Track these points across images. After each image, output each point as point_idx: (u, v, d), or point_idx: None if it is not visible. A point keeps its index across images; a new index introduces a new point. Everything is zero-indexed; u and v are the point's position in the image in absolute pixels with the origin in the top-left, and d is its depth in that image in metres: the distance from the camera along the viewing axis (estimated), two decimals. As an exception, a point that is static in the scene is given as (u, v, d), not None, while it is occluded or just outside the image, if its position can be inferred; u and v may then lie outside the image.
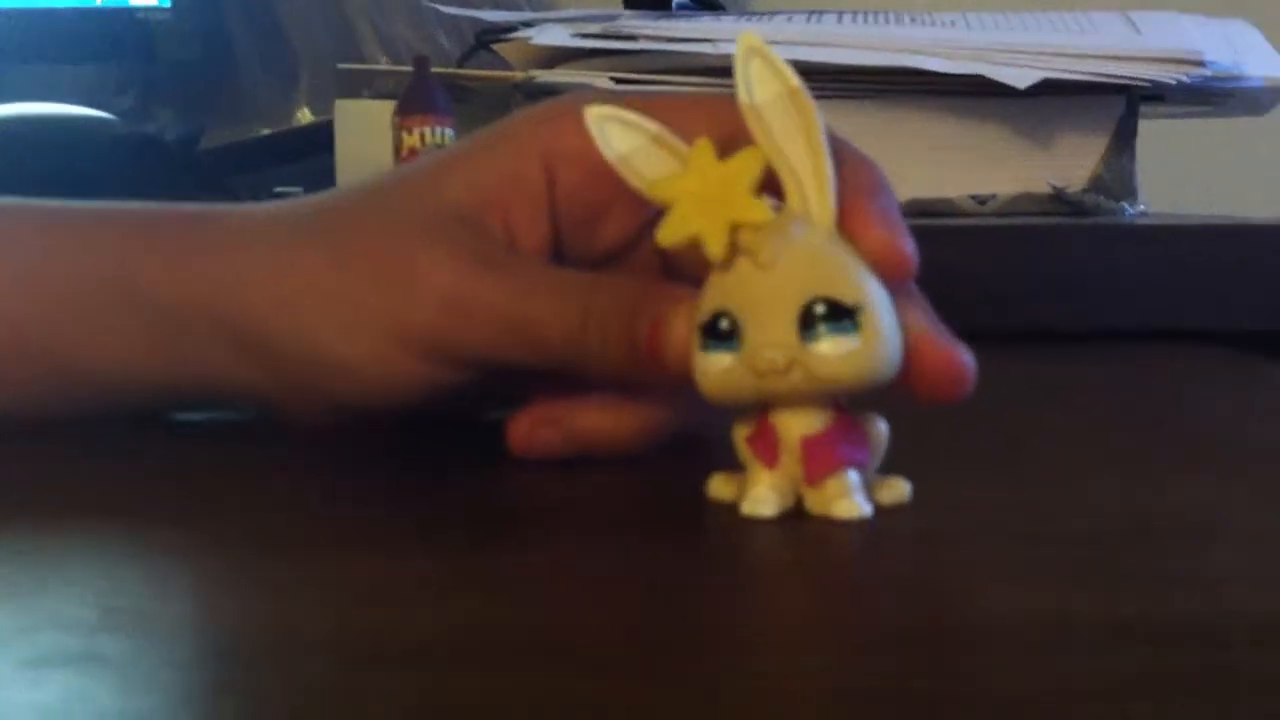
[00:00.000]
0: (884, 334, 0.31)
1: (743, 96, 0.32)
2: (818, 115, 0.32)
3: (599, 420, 0.36)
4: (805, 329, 0.30)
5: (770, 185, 0.32)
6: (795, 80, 0.32)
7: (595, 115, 0.33)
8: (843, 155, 0.33)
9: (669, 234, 0.32)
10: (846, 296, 0.31)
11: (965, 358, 0.32)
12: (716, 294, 0.31)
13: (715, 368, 0.31)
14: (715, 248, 0.31)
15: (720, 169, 0.31)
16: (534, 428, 0.37)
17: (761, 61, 0.32)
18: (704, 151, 0.32)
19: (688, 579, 0.28)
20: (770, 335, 0.30)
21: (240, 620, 0.26)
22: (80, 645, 0.23)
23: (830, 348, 0.30)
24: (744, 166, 0.31)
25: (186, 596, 0.27)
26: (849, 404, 0.32)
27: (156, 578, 0.28)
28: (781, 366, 0.30)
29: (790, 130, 0.32)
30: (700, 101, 0.36)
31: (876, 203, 0.32)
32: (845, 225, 0.32)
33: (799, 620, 0.26)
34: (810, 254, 0.31)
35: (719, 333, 0.31)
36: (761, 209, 0.31)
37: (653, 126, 0.33)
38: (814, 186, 0.32)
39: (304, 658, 0.23)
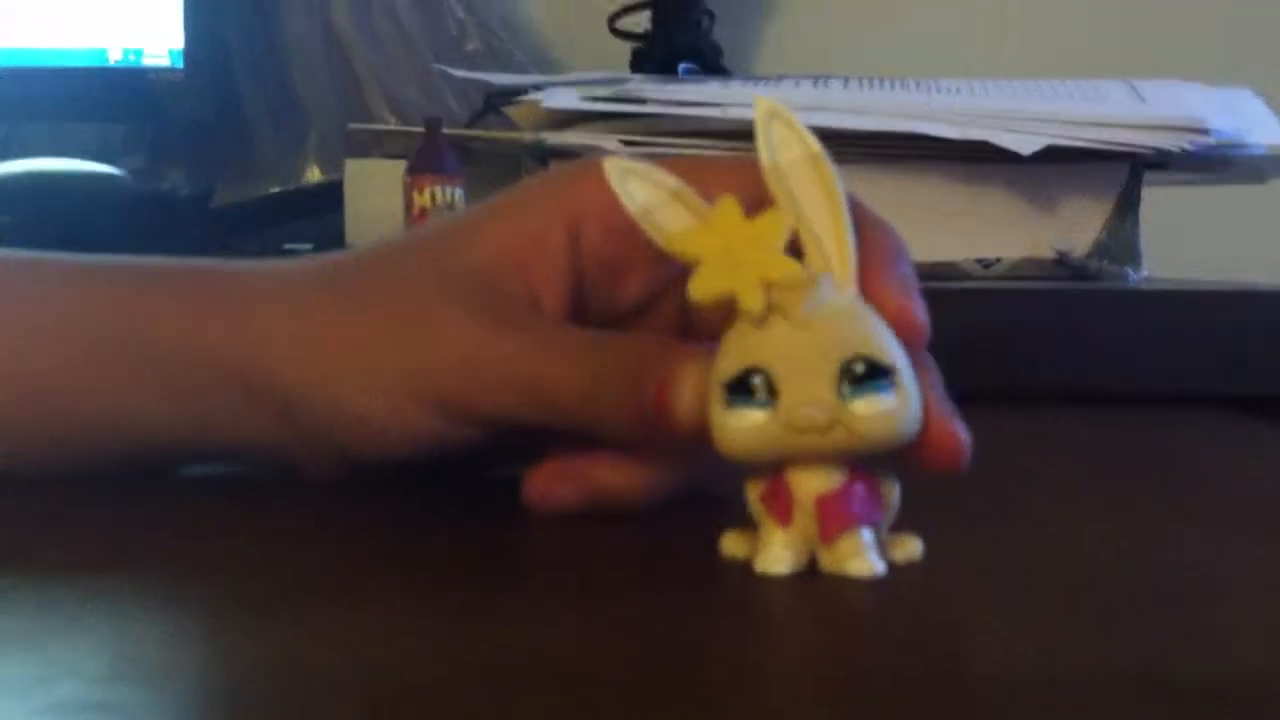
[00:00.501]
0: (913, 393, 0.31)
1: (765, 159, 0.33)
2: (838, 180, 0.33)
3: (614, 476, 0.37)
4: (844, 388, 0.31)
5: (789, 248, 0.32)
6: (817, 145, 0.33)
7: (615, 168, 0.34)
8: (863, 219, 0.33)
9: (701, 289, 0.31)
10: (883, 356, 0.31)
11: (965, 434, 0.32)
12: (743, 351, 0.31)
13: (743, 425, 0.31)
14: (753, 303, 0.31)
15: (747, 227, 0.32)
16: (550, 483, 0.37)
17: (783, 125, 0.33)
18: (730, 209, 0.32)
19: (700, 633, 0.28)
20: (810, 393, 0.31)
21: (253, 669, 0.26)
22: (96, 694, 0.24)
23: (869, 406, 0.31)
24: (771, 225, 0.32)
25: (200, 646, 0.28)
26: (864, 463, 0.32)
27: (171, 629, 0.29)
28: (823, 424, 0.31)
29: (812, 193, 0.32)
30: (719, 162, 0.36)
31: (894, 269, 0.33)
32: (863, 290, 0.32)
33: (809, 671, 0.26)
34: (844, 313, 0.32)
35: (749, 390, 0.31)
36: (793, 266, 0.31)
37: (673, 181, 0.33)
38: (835, 249, 0.32)
39: (317, 705, 0.23)
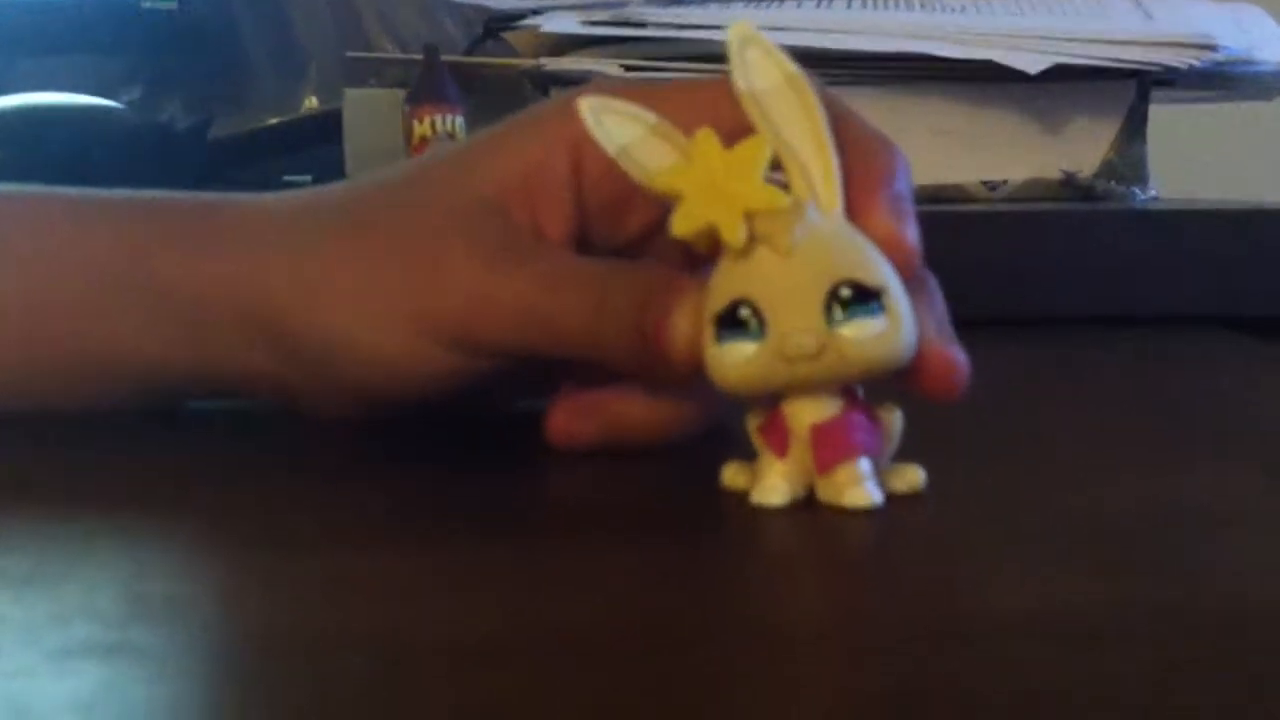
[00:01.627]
0: (906, 315, 0.31)
1: (740, 85, 0.32)
2: (818, 101, 0.32)
3: (636, 411, 0.36)
4: (834, 313, 0.30)
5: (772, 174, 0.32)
6: (793, 67, 0.32)
7: (590, 107, 0.33)
8: (856, 138, 0.33)
9: (682, 225, 0.31)
10: (871, 279, 0.31)
11: (962, 359, 0.32)
12: (730, 284, 0.31)
13: (735, 358, 0.31)
14: (733, 236, 0.31)
15: (726, 157, 0.31)
16: (571, 419, 0.37)
17: (757, 49, 0.32)
18: (708, 140, 0.31)
19: (703, 574, 0.28)
20: (798, 321, 0.30)
21: (270, 612, 0.26)
22: (110, 635, 0.24)
23: (859, 330, 0.30)
24: (751, 154, 0.31)
25: (216, 588, 0.28)
26: (864, 394, 0.32)
27: (185, 569, 0.29)
28: (813, 351, 0.30)
29: (791, 117, 0.32)
30: (697, 90, 0.36)
31: (885, 190, 0.32)
32: (851, 213, 0.32)
33: (813, 616, 0.26)
34: (828, 239, 0.31)
35: (738, 322, 0.31)
36: (775, 195, 0.31)
37: (650, 117, 0.33)
38: (819, 173, 0.32)
39: (334, 649, 0.23)
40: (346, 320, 0.36)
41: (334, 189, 0.40)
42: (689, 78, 0.44)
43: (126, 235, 0.39)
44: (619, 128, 0.33)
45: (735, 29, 0.32)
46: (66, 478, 0.35)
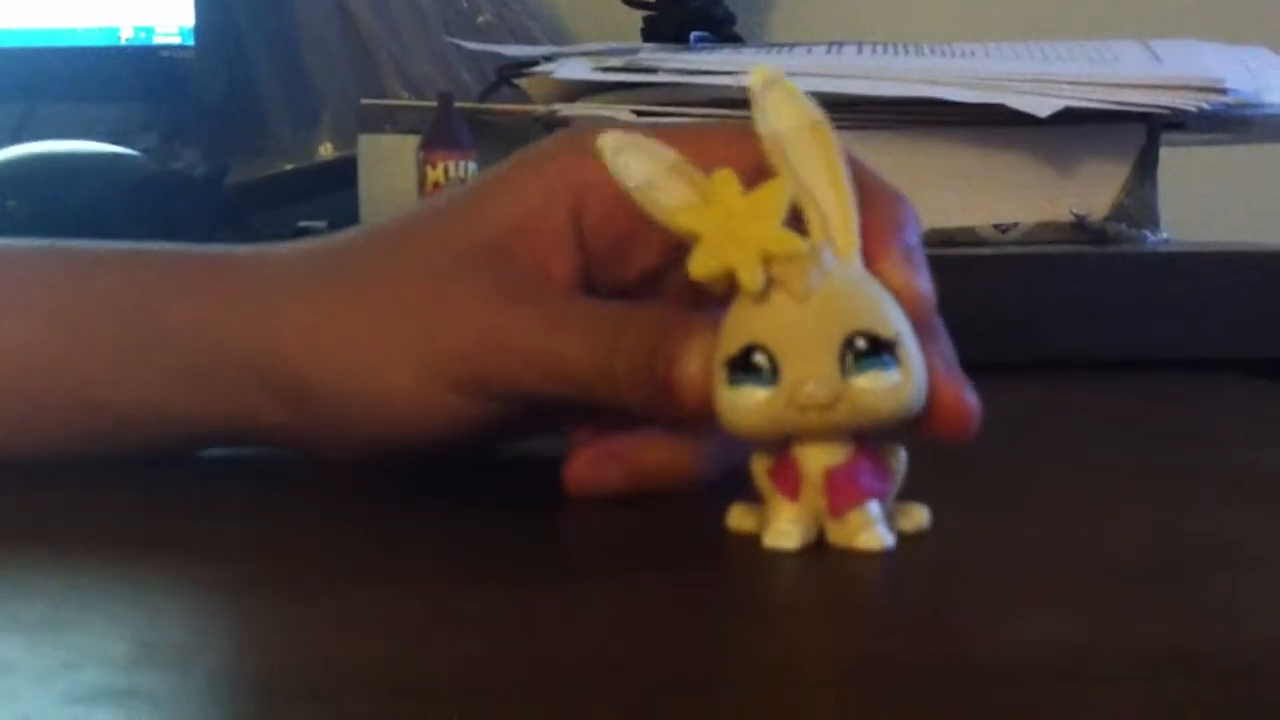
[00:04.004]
0: (918, 366, 0.31)
1: (762, 128, 0.32)
2: (838, 146, 0.32)
3: (660, 456, 0.36)
4: (847, 364, 0.30)
5: (790, 219, 0.32)
6: (816, 112, 0.32)
7: (610, 144, 0.33)
8: (868, 187, 0.33)
9: (700, 267, 0.31)
10: (886, 330, 0.31)
11: (973, 400, 0.32)
12: (745, 327, 0.31)
13: (747, 402, 0.31)
14: (751, 280, 0.31)
15: (746, 200, 0.31)
16: (595, 466, 0.36)
17: (780, 93, 0.32)
18: (728, 182, 0.31)
19: (711, 614, 0.28)
20: (812, 370, 0.30)
21: (279, 656, 0.26)
22: (122, 681, 0.24)
23: (873, 382, 0.30)
24: (770, 197, 0.31)
25: (226, 632, 0.28)
26: (870, 435, 0.32)
27: (195, 614, 0.29)
28: (826, 401, 0.30)
29: (811, 162, 0.32)
30: (717, 132, 0.36)
31: (899, 240, 0.32)
32: (867, 260, 0.32)
33: (825, 656, 0.26)
34: (845, 286, 0.31)
35: (752, 367, 0.31)
36: (793, 240, 0.31)
37: (670, 155, 0.33)
38: (837, 219, 0.32)
39: (343, 693, 0.23)
40: (353, 368, 0.37)
41: (339, 237, 0.40)
42: (701, 122, 0.45)
43: (134, 286, 0.39)
44: (638, 164, 0.33)
45: (759, 72, 0.32)
46: (79, 523, 0.35)
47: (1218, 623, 0.27)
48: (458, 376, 0.36)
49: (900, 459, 0.32)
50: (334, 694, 0.23)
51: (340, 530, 0.35)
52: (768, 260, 0.31)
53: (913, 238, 0.33)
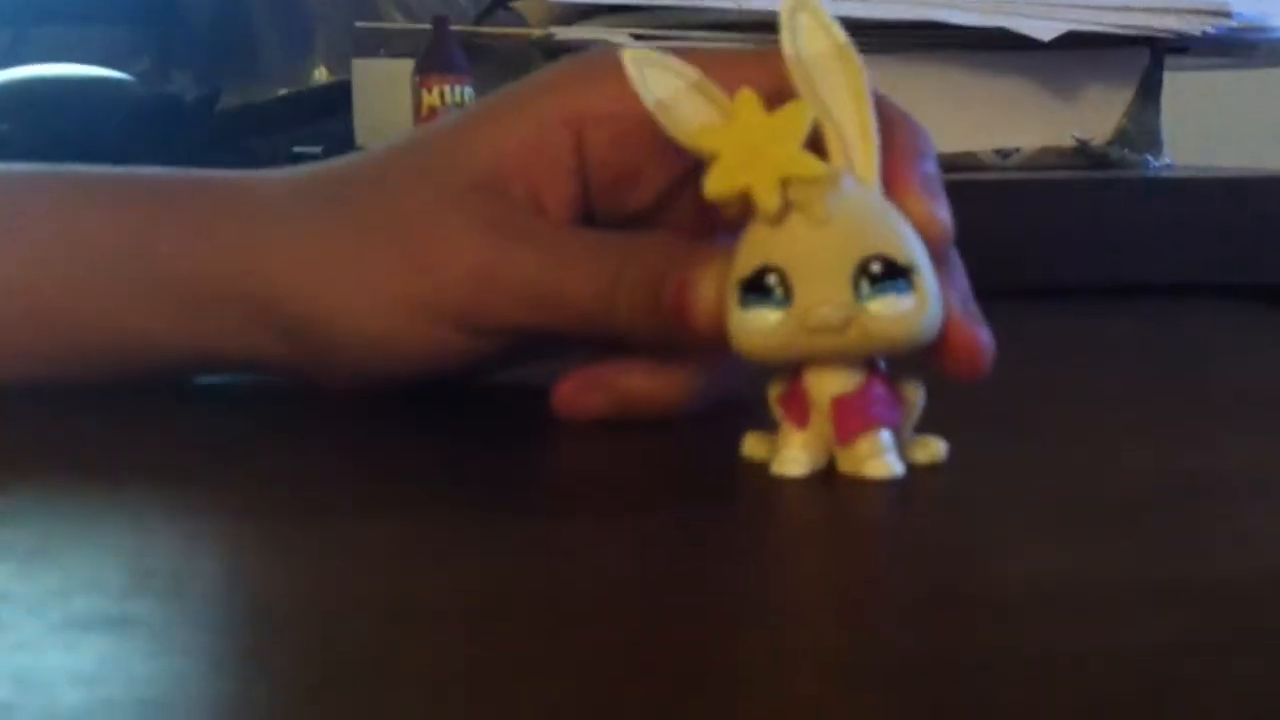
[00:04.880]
0: (933, 295, 0.31)
1: (788, 50, 0.32)
2: (864, 73, 0.32)
3: (644, 383, 0.36)
4: (861, 288, 0.30)
5: (813, 144, 0.31)
6: (843, 37, 0.32)
7: (634, 59, 0.33)
8: (888, 116, 0.32)
9: (718, 185, 0.31)
10: (901, 256, 0.30)
11: (987, 339, 0.32)
12: (759, 250, 0.31)
13: (759, 325, 0.31)
14: (768, 201, 0.30)
15: (767, 121, 0.31)
16: (579, 391, 0.36)
17: (809, 16, 0.32)
18: (749, 102, 0.31)
19: (719, 545, 0.28)
20: (825, 293, 0.30)
21: (272, 583, 0.26)
22: (114, 608, 0.23)
23: (886, 307, 0.30)
24: (792, 119, 0.31)
25: (219, 559, 0.27)
26: (887, 366, 0.32)
27: (188, 540, 0.28)
28: (837, 324, 0.30)
29: (836, 87, 0.32)
30: (742, 56, 0.35)
31: (919, 168, 0.32)
32: (887, 188, 0.32)
33: (825, 584, 0.26)
34: (863, 211, 0.31)
35: (764, 289, 0.30)
36: (814, 163, 0.30)
37: (693, 73, 0.32)
38: (859, 145, 0.31)
39: (336, 620, 0.23)
40: (346, 303, 0.36)
41: (332, 167, 0.39)
42: (705, 48, 0.44)
43: (125, 215, 0.39)
44: (660, 81, 0.33)
45: None
46: (72, 451, 0.35)
47: (1228, 551, 0.27)
48: (455, 315, 0.36)
49: (917, 391, 0.32)
50: (325, 622, 0.23)
51: (335, 459, 0.35)
52: (786, 182, 0.30)
53: (932, 167, 0.33)
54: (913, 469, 0.31)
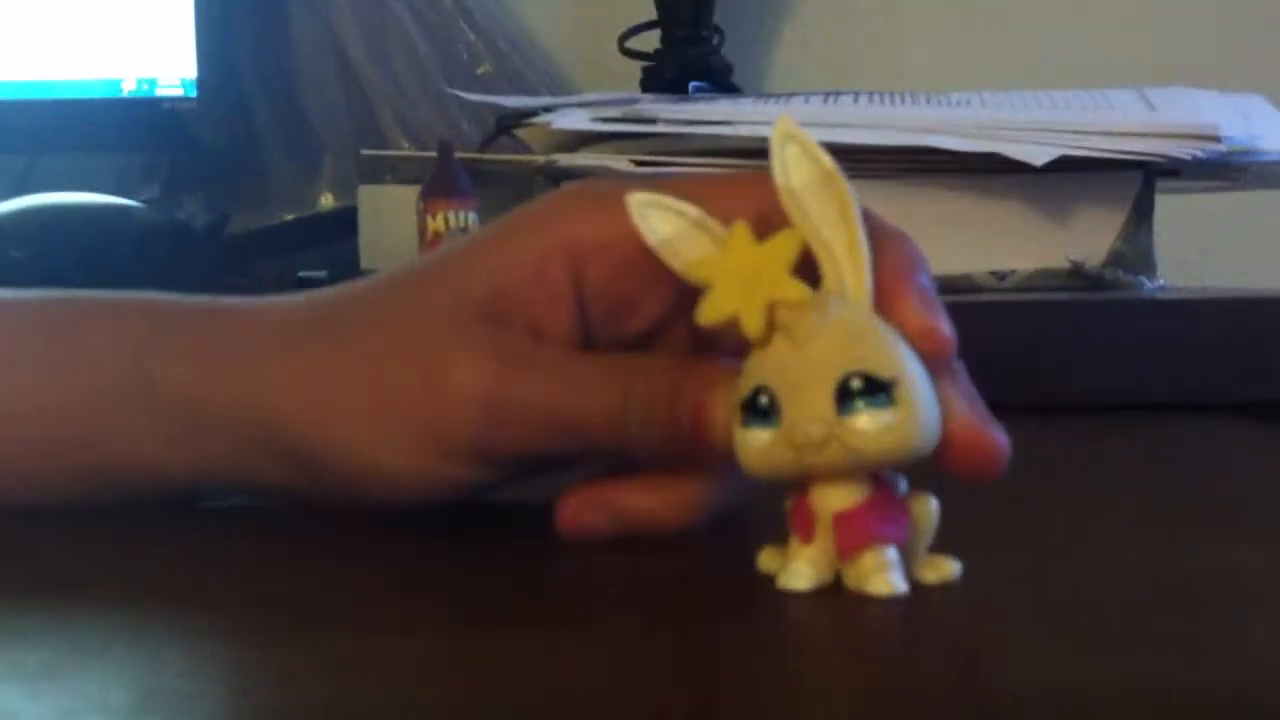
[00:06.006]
0: (921, 408, 0.31)
1: (779, 179, 0.33)
2: (853, 197, 0.33)
3: (647, 502, 0.36)
4: (842, 403, 0.31)
5: (808, 267, 0.32)
6: (831, 164, 0.33)
7: (637, 202, 0.34)
8: (881, 234, 0.33)
9: (708, 313, 0.33)
10: (882, 371, 0.31)
11: (1000, 439, 0.32)
12: (754, 371, 0.32)
13: (755, 444, 0.32)
14: (752, 326, 0.32)
15: (758, 250, 0.32)
16: (582, 510, 0.36)
17: (797, 146, 0.33)
18: (741, 233, 0.33)
19: (723, 654, 0.28)
20: (808, 410, 0.31)
21: (278, 702, 0.26)
22: (122, 728, 0.24)
23: (867, 422, 0.31)
24: (781, 247, 0.32)
25: (226, 678, 0.28)
26: (895, 480, 0.32)
27: (195, 661, 0.29)
28: (818, 440, 0.31)
29: (826, 212, 0.33)
30: (735, 181, 0.36)
31: (913, 283, 0.33)
32: (883, 305, 0.33)
33: (839, 696, 0.26)
34: (846, 330, 0.32)
35: (758, 409, 0.31)
36: (797, 288, 0.32)
37: (693, 211, 0.34)
38: (850, 266, 0.32)
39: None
40: (356, 437, 0.36)
41: (332, 294, 0.39)
42: (703, 172, 0.45)
43: (127, 339, 0.39)
44: (662, 221, 0.34)
45: (779, 125, 0.34)
46: (77, 570, 0.35)
47: (1226, 661, 0.27)
48: (459, 445, 0.36)
49: (928, 508, 0.32)
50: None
51: (338, 576, 0.35)
52: (772, 307, 0.32)
53: (926, 280, 0.33)
54: (920, 586, 0.31)
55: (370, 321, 0.38)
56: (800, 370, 0.31)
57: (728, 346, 0.33)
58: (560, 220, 0.37)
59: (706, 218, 0.34)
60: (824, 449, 0.31)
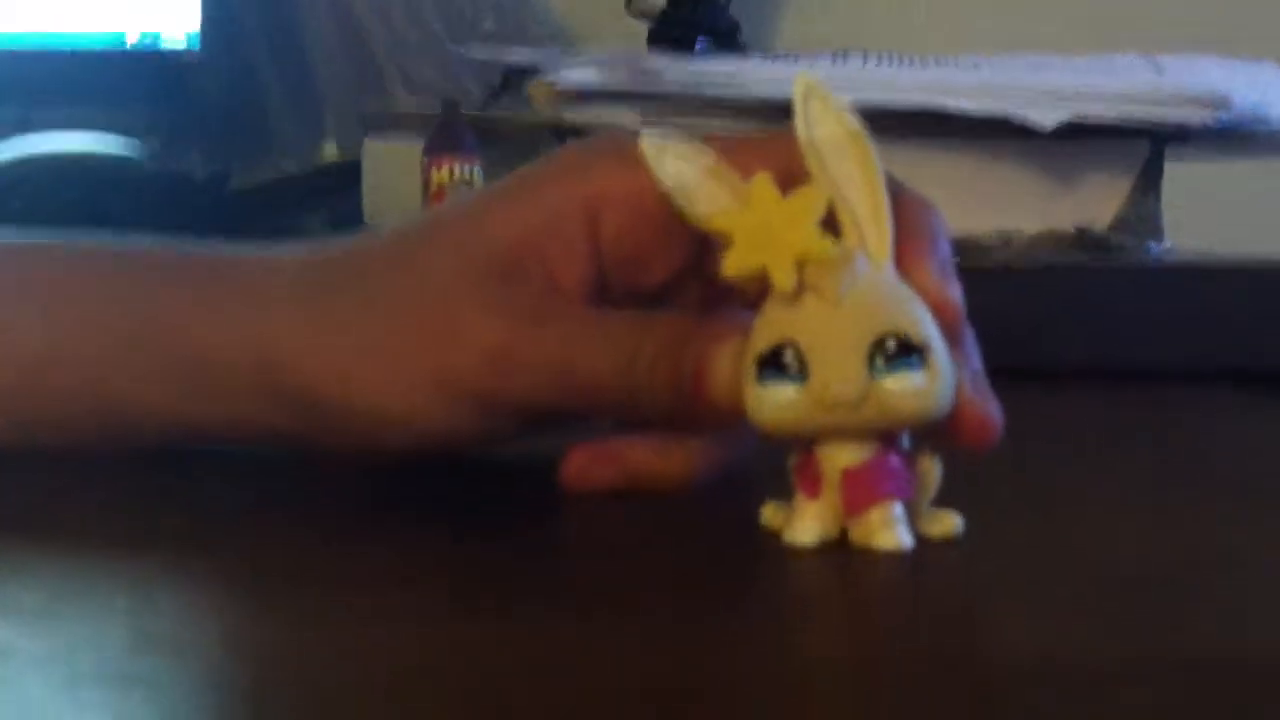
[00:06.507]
0: (945, 372, 0.31)
1: (802, 135, 0.33)
2: (876, 156, 0.33)
3: (653, 459, 0.36)
4: (875, 365, 0.31)
5: (825, 224, 0.32)
6: (854, 122, 0.33)
7: (651, 144, 0.34)
8: (902, 199, 0.33)
9: (734, 266, 0.32)
10: (915, 334, 0.31)
11: (996, 413, 0.33)
12: (776, 327, 0.32)
13: (776, 400, 0.31)
14: (784, 280, 0.31)
15: (782, 204, 0.32)
16: (588, 465, 0.37)
17: (819, 102, 0.33)
18: (765, 186, 0.32)
19: (727, 613, 0.28)
20: (841, 369, 0.31)
21: (276, 644, 0.26)
22: (118, 666, 0.24)
23: (900, 383, 0.31)
24: (808, 202, 0.32)
25: (223, 619, 0.28)
26: (900, 437, 0.32)
27: (192, 601, 0.29)
28: (853, 400, 0.31)
29: (849, 170, 0.32)
30: (756, 140, 0.36)
31: (932, 249, 0.33)
32: (901, 268, 0.32)
33: (830, 656, 0.26)
34: (877, 290, 0.32)
35: (781, 365, 0.31)
36: (828, 244, 0.31)
37: (709, 158, 0.33)
38: (872, 226, 0.32)
39: (335, 683, 0.23)
40: (363, 382, 0.36)
41: (345, 243, 0.39)
42: (709, 130, 0.45)
43: (140, 289, 0.39)
44: (676, 166, 0.34)
45: (800, 80, 0.33)
46: (78, 513, 0.36)
47: (1221, 631, 0.27)
48: (474, 397, 0.36)
49: (933, 465, 0.32)
50: (324, 684, 0.23)
51: (339, 527, 0.35)
52: (801, 263, 0.31)
53: (945, 249, 0.33)
54: (923, 545, 0.31)
55: (385, 271, 0.38)
56: (832, 329, 0.31)
57: (741, 302, 0.33)
58: (576, 173, 0.37)
59: (723, 166, 0.33)
60: (857, 409, 0.31)
